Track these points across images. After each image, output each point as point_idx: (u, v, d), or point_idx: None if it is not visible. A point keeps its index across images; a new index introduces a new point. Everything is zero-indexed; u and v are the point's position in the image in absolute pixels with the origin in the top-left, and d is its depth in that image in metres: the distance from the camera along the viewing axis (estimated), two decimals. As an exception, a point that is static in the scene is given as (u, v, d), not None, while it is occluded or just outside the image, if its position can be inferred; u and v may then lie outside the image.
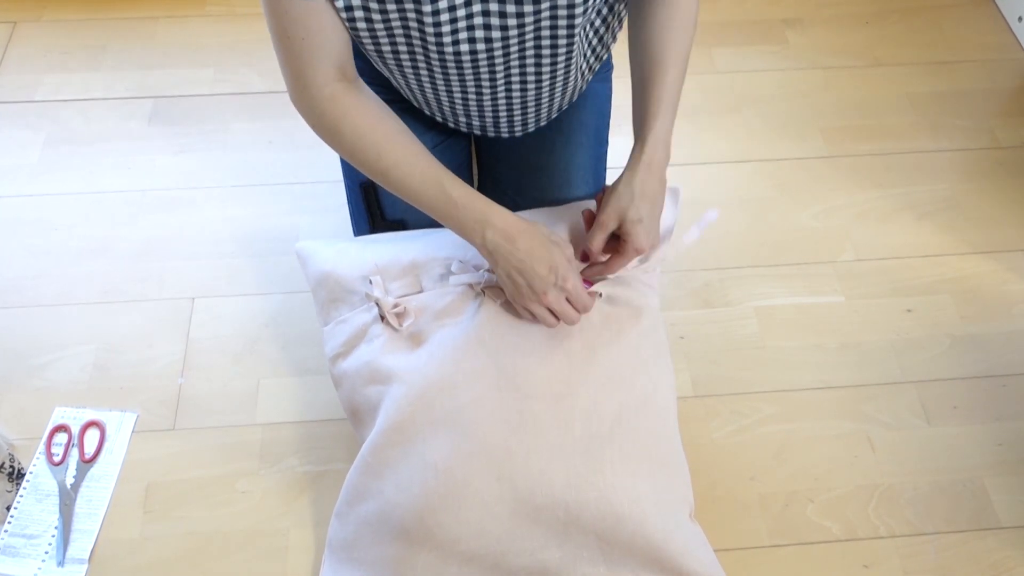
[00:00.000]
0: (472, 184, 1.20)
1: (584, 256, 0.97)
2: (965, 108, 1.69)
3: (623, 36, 1.02)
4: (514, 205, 1.12)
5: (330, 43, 0.86)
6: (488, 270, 0.98)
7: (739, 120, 1.67)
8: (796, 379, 1.33)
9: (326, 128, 0.90)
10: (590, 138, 1.15)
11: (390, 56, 0.92)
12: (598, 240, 0.93)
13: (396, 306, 0.99)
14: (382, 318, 1.00)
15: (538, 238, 0.89)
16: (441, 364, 0.95)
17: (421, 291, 1.00)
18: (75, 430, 1.26)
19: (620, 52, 1.04)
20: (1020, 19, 1.81)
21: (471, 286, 0.99)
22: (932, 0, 1.88)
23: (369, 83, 1.09)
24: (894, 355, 1.36)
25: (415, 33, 0.86)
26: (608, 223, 0.92)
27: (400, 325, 0.99)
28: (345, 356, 1.03)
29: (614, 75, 1.23)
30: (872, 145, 1.63)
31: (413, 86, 0.99)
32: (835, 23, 1.84)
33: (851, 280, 1.44)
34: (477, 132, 1.11)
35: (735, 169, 1.59)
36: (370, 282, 1.01)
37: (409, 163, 0.90)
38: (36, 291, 1.41)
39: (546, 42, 0.91)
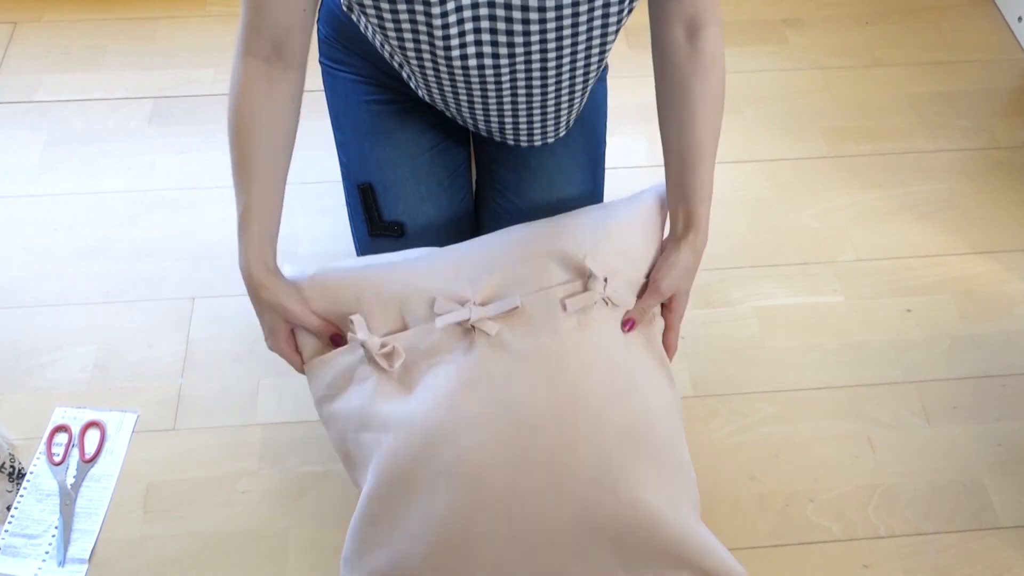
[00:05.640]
0: (471, 186, 1.19)
1: (631, 321, 0.97)
2: (965, 108, 1.69)
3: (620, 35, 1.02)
4: (513, 207, 1.12)
5: (272, 18, 0.87)
6: (476, 303, 0.92)
7: (739, 120, 1.67)
8: (796, 379, 1.33)
9: (229, 89, 0.93)
10: (589, 139, 1.15)
11: (397, 49, 0.92)
12: (648, 307, 0.97)
13: (384, 346, 0.92)
14: (369, 359, 0.93)
15: (261, 296, 0.94)
16: (438, 410, 0.90)
17: (405, 328, 0.94)
18: (75, 430, 1.26)
19: (615, 51, 1.04)
20: (1020, 19, 1.81)
21: (460, 324, 0.92)
22: (932, 0, 1.89)
23: (383, 75, 1.08)
24: (894, 355, 1.36)
25: (423, 29, 0.87)
26: (665, 294, 0.97)
27: (391, 366, 0.92)
28: (333, 399, 0.96)
29: (609, 75, 1.24)
30: (872, 145, 1.63)
31: (419, 79, 0.99)
32: (835, 23, 1.84)
33: (851, 280, 1.45)
34: (484, 135, 1.11)
35: (735, 169, 1.59)
36: (351, 322, 0.93)
37: (248, 165, 0.93)
38: (36, 291, 1.41)
39: (552, 55, 0.91)
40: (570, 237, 0.94)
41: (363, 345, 0.92)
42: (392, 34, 0.89)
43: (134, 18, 1.82)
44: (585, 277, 0.91)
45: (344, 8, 0.97)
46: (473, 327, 0.91)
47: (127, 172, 1.57)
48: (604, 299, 0.92)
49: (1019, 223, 1.52)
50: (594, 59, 0.96)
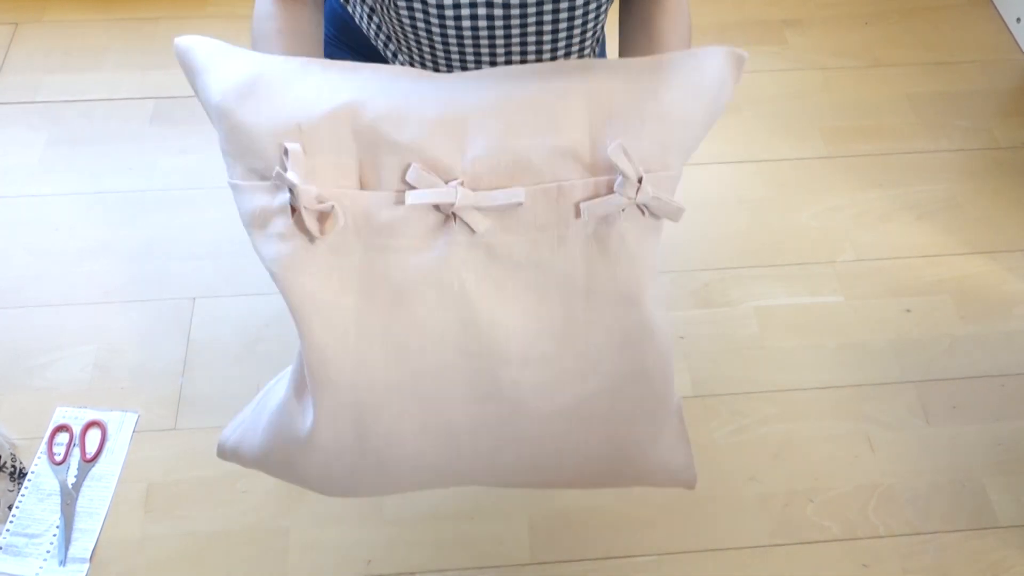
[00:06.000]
0: None
1: None
2: (964, 108, 1.70)
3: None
4: None
5: None
6: (465, 183, 0.67)
7: (739, 120, 1.67)
8: (796, 379, 1.33)
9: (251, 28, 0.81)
10: None
11: (396, 27, 0.86)
12: None
13: (320, 199, 0.65)
14: (293, 211, 0.66)
15: None
16: (385, 317, 0.68)
17: (360, 186, 0.68)
18: (76, 430, 1.26)
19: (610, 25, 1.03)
20: (1018, 20, 1.81)
21: (436, 208, 0.67)
22: (931, 1, 1.89)
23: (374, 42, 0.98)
24: (894, 355, 1.36)
25: (421, 16, 0.82)
26: None
27: (320, 232, 0.65)
28: (253, 233, 0.70)
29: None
30: (871, 145, 1.63)
31: (411, 42, 0.89)
32: (834, 24, 1.84)
33: (851, 280, 1.45)
34: None
35: (735, 169, 1.60)
36: (285, 151, 0.66)
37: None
38: (37, 291, 1.42)
39: (548, 27, 0.85)
40: (603, 107, 0.69)
41: (290, 189, 0.65)
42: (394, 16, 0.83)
43: (135, 18, 1.82)
44: (615, 175, 0.68)
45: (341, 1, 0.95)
46: (454, 215, 0.67)
47: (128, 172, 1.57)
48: (638, 206, 0.68)
49: (1018, 223, 1.52)
50: (593, 22, 0.86)
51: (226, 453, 0.83)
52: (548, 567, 1.17)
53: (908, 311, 1.41)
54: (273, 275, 0.68)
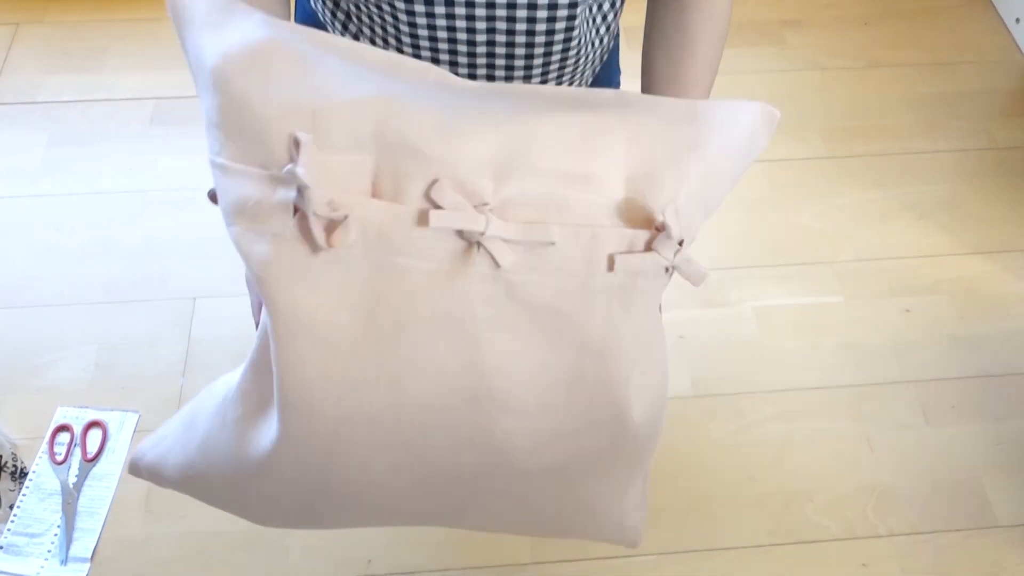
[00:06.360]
0: None
1: None
2: (963, 109, 1.70)
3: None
4: None
5: None
6: (493, 209, 0.59)
7: (739, 121, 1.67)
8: (796, 379, 1.34)
9: None
10: None
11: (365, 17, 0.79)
12: None
13: (334, 207, 0.57)
14: (295, 211, 0.58)
15: None
16: (382, 345, 0.61)
17: (378, 195, 0.59)
18: (77, 430, 1.26)
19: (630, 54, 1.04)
20: (1018, 20, 1.81)
21: (460, 234, 0.59)
22: (930, 2, 1.89)
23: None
24: (893, 355, 1.36)
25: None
26: None
27: (327, 243, 0.57)
28: (232, 222, 0.61)
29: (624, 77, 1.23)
30: (871, 146, 1.64)
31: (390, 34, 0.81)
32: (834, 24, 1.85)
33: (850, 280, 1.45)
34: None
35: (735, 170, 1.60)
36: (295, 142, 0.57)
37: None
38: (38, 291, 1.42)
39: (522, 26, 0.77)
40: (643, 155, 0.62)
41: (298, 188, 0.56)
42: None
43: (136, 19, 1.82)
44: (654, 230, 0.61)
45: None
46: (479, 244, 0.59)
47: (129, 172, 1.58)
48: (668, 267, 0.63)
49: (1017, 223, 1.53)
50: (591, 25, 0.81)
51: (140, 471, 0.76)
52: (548, 567, 1.17)
53: (907, 311, 1.41)
54: (258, 278, 0.59)
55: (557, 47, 0.75)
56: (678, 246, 0.61)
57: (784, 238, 1.50)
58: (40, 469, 1.23)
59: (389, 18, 0.77)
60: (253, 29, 0.60)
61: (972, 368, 1.35)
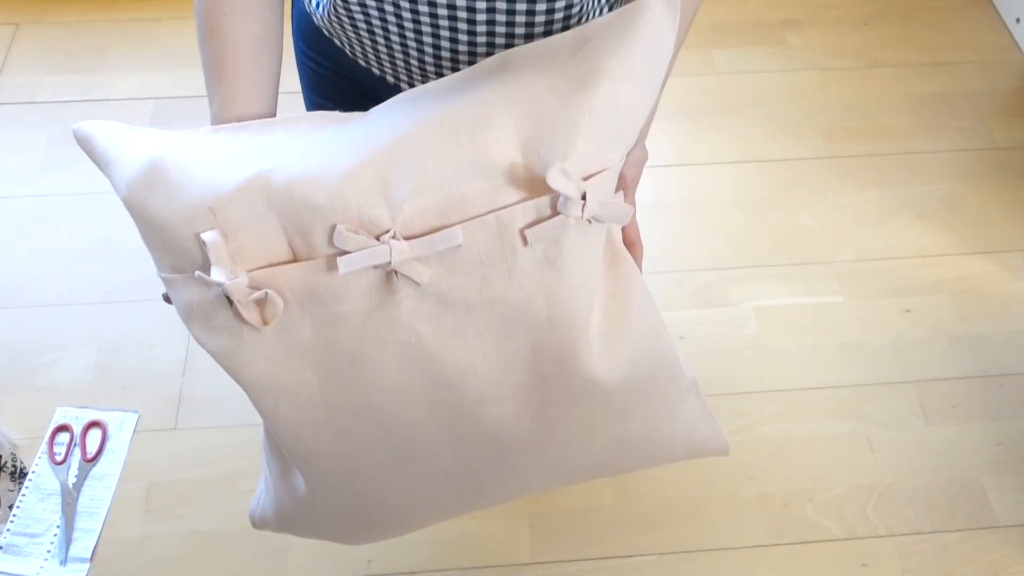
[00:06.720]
0: None
1: None
2: (963, 109, 1.70)
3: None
4: None
5: None
6: (398, 234, 0.60)
7: (738, 121, 1.68)
8: (796, 379, 1.34)
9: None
10: None
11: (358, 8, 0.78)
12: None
13: (255, 289, 0.60)
14: (230, 302, 0.61)
15: None
16: (350, 384, 0.66)
17: (293, 259, 0.62)
18: (77, 430, 1.26)
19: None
20: (1018, 20, 1.81)
21: (375, 267, 0.62)
22: (930, 1, 1.89)
23: (322, 46, 0.91)
24: (893, 355, 1.36)
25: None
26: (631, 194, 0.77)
27: (262, 322, 0.61)
28: (193, 326, 0.65)
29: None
30: (871, 146, 1.64)
31: (379, 40, 0.82)
32: (834, 24, 1.85)
33: (850, 280, 1.45)
34: None
35: (735, 169, 1.60)
36: (202, 243, 0.61)
37: (223, 53, 0.70)
38: (38, 291, 1.42)
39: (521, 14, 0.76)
40: (529, 117, 0.62)
41: (224, 292, 0.60)
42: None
43: (136, 19, 1.82)
44: (553, 194, 0.62)
45: None
46: (396, 272, 0.62)
47: (128, 173, 1.57)
48: (588, 219, 0.63)
49: (1017, 224, 1.53)
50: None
51: (258, 524, 0.85)
52: (548, 567, 1.17)
53: (907, 311, 1.41)
54: (224, 368, 0.64)
55: (557, 27, 0.74)
56: (582, 201, 0.61)
57: (784, 238, 1.50)
58: (40, 469, 1.23)
59: (390, 7, 0.76)
60: (142, 149, 0.66)
61: (972, 368, 1.35)
